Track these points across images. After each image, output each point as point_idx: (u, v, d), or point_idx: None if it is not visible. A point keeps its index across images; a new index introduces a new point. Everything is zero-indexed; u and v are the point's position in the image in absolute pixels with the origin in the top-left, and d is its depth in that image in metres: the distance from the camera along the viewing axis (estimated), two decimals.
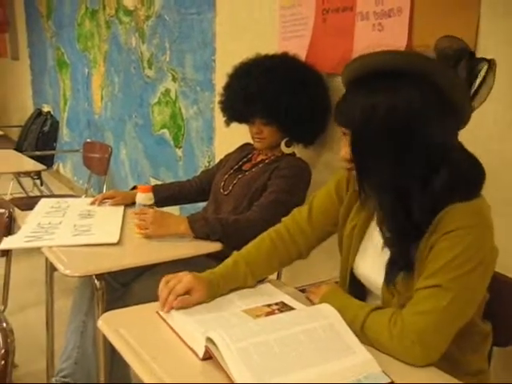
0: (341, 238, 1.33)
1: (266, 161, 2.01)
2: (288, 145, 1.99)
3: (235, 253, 1.32)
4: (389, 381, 0.94)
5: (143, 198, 1.73)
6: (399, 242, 1.12)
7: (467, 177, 1.09)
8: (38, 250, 1.62)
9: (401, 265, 1.11)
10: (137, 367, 0.97)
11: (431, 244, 1.06)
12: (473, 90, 1.09)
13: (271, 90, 1.87)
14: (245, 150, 2.14)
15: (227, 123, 2.09)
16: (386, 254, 1.15)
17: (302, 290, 1.34)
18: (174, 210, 3.17)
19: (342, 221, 1.32)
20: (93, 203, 2.04)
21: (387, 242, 1.15)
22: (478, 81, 1.09)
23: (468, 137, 1.14)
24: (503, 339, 1.28)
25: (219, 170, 2.15)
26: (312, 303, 1.24)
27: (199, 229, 1.68)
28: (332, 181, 1.38)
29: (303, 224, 1.37)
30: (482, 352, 1.21)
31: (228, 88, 2.03)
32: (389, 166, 1.06)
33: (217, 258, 1.67)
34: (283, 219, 1.43)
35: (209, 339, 0.96)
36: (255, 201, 1.85)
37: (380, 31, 1.75)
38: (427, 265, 1.06)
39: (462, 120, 1.11)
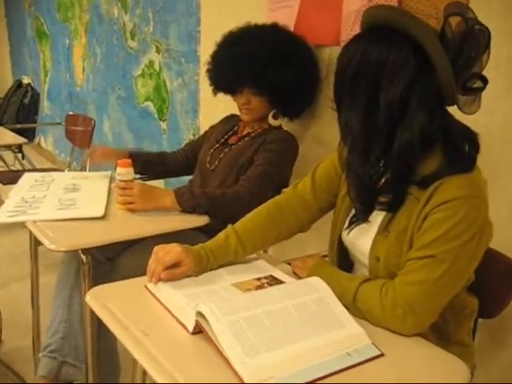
0: (336, 204, 1.33)
1: (253, 134, 1.98)
2: (275, 117, 1.97)
3: (229, 226, 1.30)
4: (379, 353, 0.95)
5: (123, 172, 1.69)
6: (359, 195, 1.18)
7: (462, 150, 1.08)
8: (20, 225, 1.59)
9: (359, 219, 1.19)
10: (126, 342, 0.96)
11: (425, 214, 1.05)
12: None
13: (261, 59, 1.85)
14: (230, 121, 2.11)
15: (214, 92, 2.06)
16: (375, 220, 1.16)
17: (289, 264, 1.34)
18: (159, 183, 3.15)
19: (340, 186, 1.31)
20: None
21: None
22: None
23: (456, 110, 1.13)
24: (488, 311, 1.29)
25: (204, 142, 2.12)
26: (297, 277, 1.24)
27: (185, 202, 1.66)
28: (336, 150, 1.35)
29: (306, 195, 1.35)
30: (465, 326, 1.22)
31: (216, 56, 1.99)
32: (357, 111, 1.09)
33: (205, 231, 1.66)
34: (284, 190, 1.40)
35: (199, 313, 0.95)
36: (242, 175, 1.83)
37: (370, 1, 1.72)
38: (421, 235, 1.06)
39: (448, 97, 1.09)
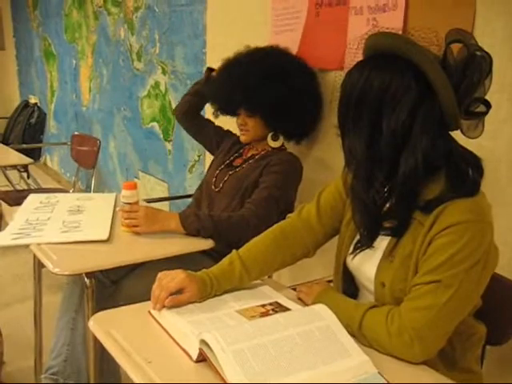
0: (340, 230, 1.32)
1: (257, 156, 1.98)
2: (274, 138, 1.97)
3: (234, 251, 1.29)
4: (385, 382, 0.93)
5: (128, 195, 1.69)
6: (364, 221, 1.17)
7: (466, 174, 1.08)
8: (24, 245, 1.59)
9: (364, 244, 1.18)
10: (129, 369, 0.95)
11: (430, 238, 1.05)
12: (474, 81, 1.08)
13: (253, 81, 1.85)
14: (236, 143, 2.11)
15: (215, 115, 2.08)
16: (379, 245, 1.16)
17: (294, 289, 1.33)
18: (163, 205, 3.16)
19: (345, 211, 1.31)
20: None
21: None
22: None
23: (460, 134, 1.13)
24: (497, 338, 1.28)
25: (222, 144, 2.15)
26: (303, 303, 1.23)
27: (190, 225, 1.66)
28: (340, 176, 1.35)
29: (311, 220, 1.34)
30: (473, 353, 1.20)
31: (214, 79, 2.02)
32: (361, 138, 1.10)
33: (210, 255, 1.65)
34: (289, 215, 1.40)
35: (203, 341, 0.94)
36: (247, 197, 1.83)
37: (374, 26, 1.73)
38: (426, 260, 1.05)
39: (451, 122, 1.09)
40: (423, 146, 1.06)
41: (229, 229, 1.68)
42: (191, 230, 1.66)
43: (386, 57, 1.09)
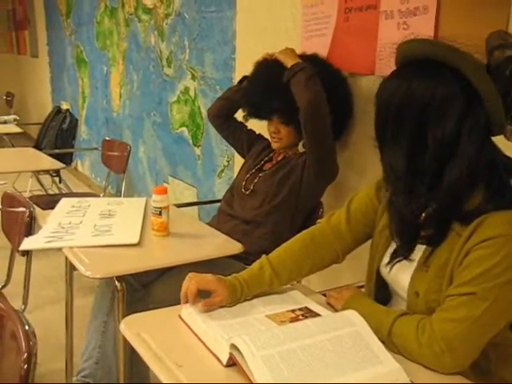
0: (373, 237, 1.30)
1: (286, 160, 1.99)
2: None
3: (264, 256, 1.29)
4: None
5: (158, 199, 1.70)
6: (401, 231, 1.15)
7: (507, 185, 1.06)
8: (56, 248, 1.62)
9: (400, 255, 1.15)
10: (160, 373, 0.96)
11: (467, 250, 1.02)
12: None
13: (287, 89, 1.84)
14: (267, 148, 2.11)
15: (245, 119, 2.08)
16: (414, 254, 1.14)
17: (324, 295, 1.32)
18: (192, 210, 3.18)
19: (377, 219, 1.28)
20: None
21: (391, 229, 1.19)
22: None
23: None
24: None
25: (253, 147, 2.16)
26: (333, 309, 1.22)
27: None
28: (373, 183, 1.33)
29: (341, 226, 1.33)
30: (510, 364, 1.17)
31: (249, 82, 2.02)
32: (402, 152, 1.06)
33: (240, 258, 1.65)
34: (319, 221, 1.39)
35: (233, 346, 0.94)
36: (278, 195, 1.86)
37: (405, 30, 1.71)
38: (462, 271, 1.02)
39: (496, 128, 1.06)
40: (470, 155, 1.02)
41: None
42: None
43: (426, 64, 1.05)
